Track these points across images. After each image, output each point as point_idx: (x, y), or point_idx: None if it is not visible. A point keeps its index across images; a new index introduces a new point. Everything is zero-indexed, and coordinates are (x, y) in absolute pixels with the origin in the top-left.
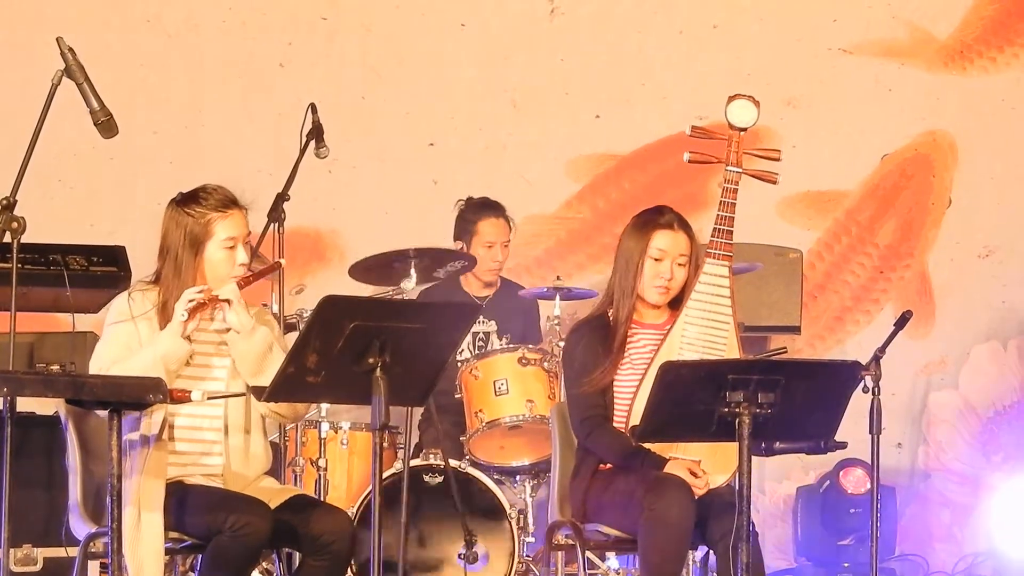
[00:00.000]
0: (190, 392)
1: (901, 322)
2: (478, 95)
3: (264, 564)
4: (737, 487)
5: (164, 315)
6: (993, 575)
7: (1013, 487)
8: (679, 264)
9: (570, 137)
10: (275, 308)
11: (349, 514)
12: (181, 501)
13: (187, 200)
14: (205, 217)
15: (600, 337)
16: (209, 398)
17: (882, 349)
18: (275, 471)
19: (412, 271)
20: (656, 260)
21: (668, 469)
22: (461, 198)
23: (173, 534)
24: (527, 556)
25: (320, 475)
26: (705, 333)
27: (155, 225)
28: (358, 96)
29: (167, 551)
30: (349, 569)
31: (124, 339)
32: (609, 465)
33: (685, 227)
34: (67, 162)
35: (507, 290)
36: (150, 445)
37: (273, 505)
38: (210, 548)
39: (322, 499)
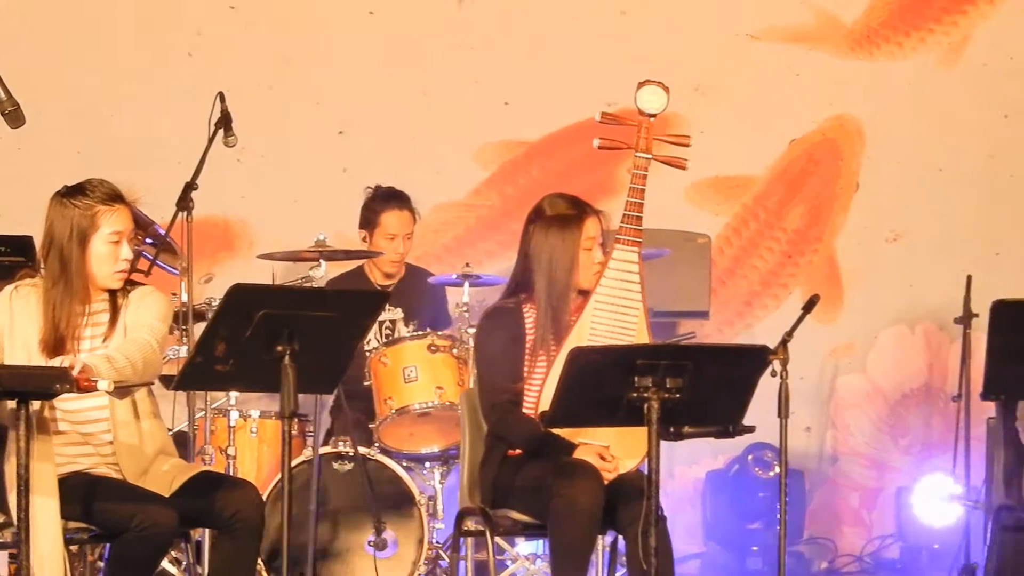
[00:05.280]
0: (96, 381)
1: (808, 306)
2: (387, 83)
3: (173, 553)
4: (646, 472)
5: (51, 320)
6: (901, 558)
7: (919, 470)
8: (598, 243)
9: (479, 124)
10: (184, 297)
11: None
12: (87, 492)
13: (73, 192)
14: (92, 210)
15: (512, 327)
16: (117, 387)
17: (789, 333)
18: (184, 459)
19: (321, 260)
20: (588, 249)
21: (577, 454)
22: (369, 185)
23: (81, 524)
24: (437, 543)
25: (229, 463)
26: (614, 319)
27: None
28: (267, 85)
29: (75, 541)
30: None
31: None
32: (518, 451)
33: (594, 208)
34: None
35: (413, 276)
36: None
37: (176, 485)
38: (115, 546)
39: None
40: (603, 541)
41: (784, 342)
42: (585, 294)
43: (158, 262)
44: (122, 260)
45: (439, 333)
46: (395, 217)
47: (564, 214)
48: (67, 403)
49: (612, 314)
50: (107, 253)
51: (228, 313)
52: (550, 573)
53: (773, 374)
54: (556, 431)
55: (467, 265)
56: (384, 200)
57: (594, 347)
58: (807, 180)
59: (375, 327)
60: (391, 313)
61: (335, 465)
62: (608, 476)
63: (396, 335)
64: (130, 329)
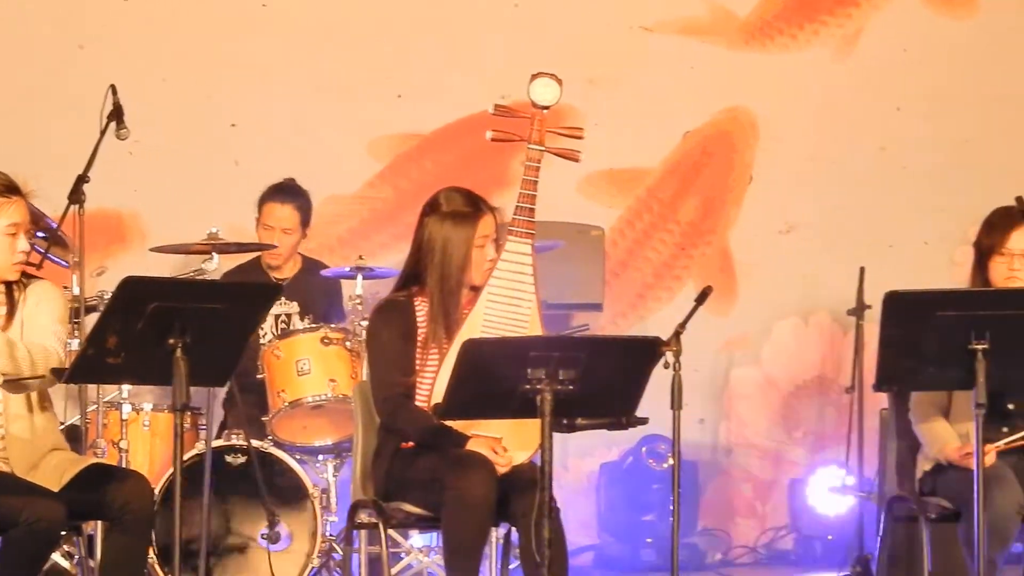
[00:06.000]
0: None
1: (701, 298)
2: (280, 76)
3: (65, 547)
4: (539, 464)
5: None
6: (794, 549)
7: (813, 462)
8: (494, 240)
9: (372, 117)
10: (75, 290)
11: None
12: None
13: None
14: None
15: (404, 320)
16: (7, 381)
17: (682, 325)
18: (76, 452)
19: (214, 253)
20: (481, 247)
21: (470, 447)
22: (290, 177)
23: None
24: (330, 535)
25: (122, 457)
26: (507, 311)
27: None
28: (159, 77)
29: None
30: (151, 551)
31: None
32: (411, 443)
33: (488, 205)
34: None
35: (309, 269)
36: None
37: (67, 478)
38: (5, 541)
39: None
40: (496, 533)
41: (677, 334)
42: (477, 289)
43: (49, 255)
44: (19, 252)
45: (332, 326)
46: (273, 209)
47: (459, 210)
48: None
49: (505, 306)
50: (5, 245)
51: (120, 306)
52: (443, 565)
53: (666, 366)
54: (449, 423)
55: (360, 258)
56: (271, 191)
57: (487, 339)
58: (701, 172)
59: (271, 321)
60: (287, 307)
61: (228, 458)
62: (501, 468)
63: (291, 328)
64: (27, 326)
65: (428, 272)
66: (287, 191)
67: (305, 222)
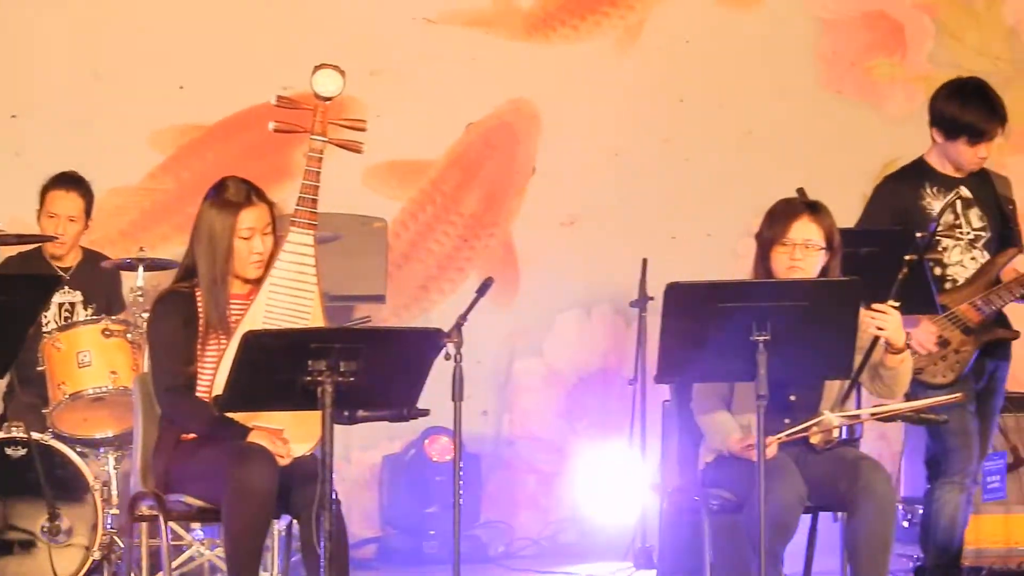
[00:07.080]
0: None
1: (482, 289)
2: (61, 66)
3: None
4: (320, 456)
5: None
6: (578, 541)
7: (596, 453)
8: (266, 234)
9: (154, 108)
10: None
11: None
12: None
13: None
14: None
15: (185, 311)
16: None
17: (463, 316)
18: None
19: None
20: (246, 239)
21: (251, 438)
22: (72, 170)
23: None
24: (111, 528)
25: None
26: (289, 302)
27: None
28: None
29: None
30: None
31: None
32: (192, 435)
33: (262, 197)
34: None
35: (90, 260)
36: None
37: None
38: None
39: None
40: (278, 525)
41: (458, 325)
42: (255, 281)
43: None
44: None
45: (113, 318)
46: (58, 197)
47: (227, 199)
48: None
49: (287, 297)
50: None
51: None
52: (225, 558)
53: (447, 357)
54: (230, 415)
55: (141, 249)
56: (55, 179)
57: (268, 330)
58: (484, 164)
59: (54, 309)
60: (70, 295)
61: (8, 451)
62: (282, 460)
63: (74, 318)
64: None
65: (197, 259)
66: (71, 180)
67: (89, 211)
